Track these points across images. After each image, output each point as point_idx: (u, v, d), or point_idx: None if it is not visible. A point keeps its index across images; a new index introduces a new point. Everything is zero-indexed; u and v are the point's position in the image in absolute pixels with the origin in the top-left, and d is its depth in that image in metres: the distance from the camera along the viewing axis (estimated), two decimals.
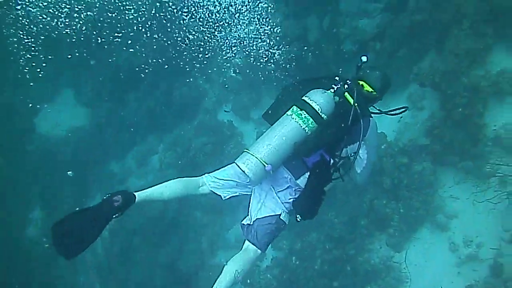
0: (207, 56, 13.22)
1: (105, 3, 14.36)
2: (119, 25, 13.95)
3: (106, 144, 14.19)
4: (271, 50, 10.92)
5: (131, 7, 13.27)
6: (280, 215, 4.19)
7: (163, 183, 4.30)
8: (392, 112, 4.42)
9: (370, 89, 4.29)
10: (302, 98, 3.99)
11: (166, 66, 12.93)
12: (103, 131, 14.12)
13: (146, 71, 13.19)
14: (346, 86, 4.10)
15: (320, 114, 3.89)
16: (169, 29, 13.23)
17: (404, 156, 9.46)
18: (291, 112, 3.94)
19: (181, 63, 13.35)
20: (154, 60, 13.20)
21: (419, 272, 9.21)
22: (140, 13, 13.40)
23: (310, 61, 10.92)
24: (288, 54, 10.90)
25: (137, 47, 13.32)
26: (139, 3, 13.32)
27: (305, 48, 11.12)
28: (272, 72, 11.65)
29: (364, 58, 4.21)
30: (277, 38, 10.83)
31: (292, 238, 10.44)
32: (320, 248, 9.97)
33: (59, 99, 15.89)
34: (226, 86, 12.89)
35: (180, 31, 13.13)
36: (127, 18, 13.78)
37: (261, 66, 11.59)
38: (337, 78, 4.22)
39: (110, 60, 13.67)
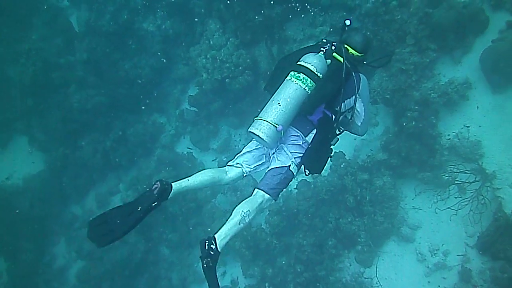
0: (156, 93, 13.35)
1: (54, 46, 14.38)
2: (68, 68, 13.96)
3: (64, 188, 13.90)
4: (226, 80, 11.06)
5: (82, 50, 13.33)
6: (289, 166, 4.44)
7: (194, 174, 4.44)
8: (377, 64, 4.81)
9: (354, 52, 4.54)
10: (297, 63, 4.37)
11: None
12: (60, 175, 13.84)
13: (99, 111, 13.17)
14: (333, 47, 4.49)
15: (316, 73, 4.28)
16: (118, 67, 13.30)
17: (365, 173, 9.62)
18: (290, 77, 4.32)
19: (134, 100, 13.38)
20: (106, 100, 13.15)
21: (390, 285, 9.34)
22: (88, 54, 13.43)
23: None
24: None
25: (88, 88, 13.28)
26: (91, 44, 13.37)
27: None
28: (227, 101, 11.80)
29: (347, 22, 4.52)
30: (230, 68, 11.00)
31: (262, 265, 10.41)
32: (291, 273, 9.97)
33: (12, 146, 15.54)
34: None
35: (131, 67, 13.18)
36: (77, 59, 13.80)
37: (216, 97, 11.72)
38: (324, 40, 4.63)
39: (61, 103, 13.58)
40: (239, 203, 4.23)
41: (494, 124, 9.09)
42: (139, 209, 3.94)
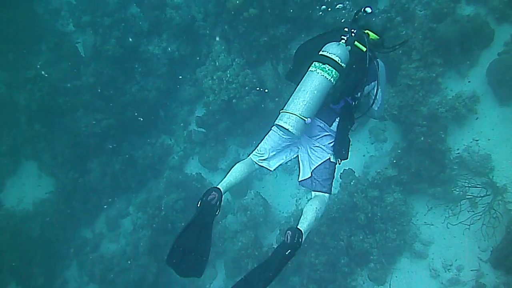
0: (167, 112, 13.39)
1: (61, 71, 14.49)
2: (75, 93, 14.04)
3: (74, 212, 13.94)
4: (233, 100, 11.09)
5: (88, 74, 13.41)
6: (329, 159, 4.56)
7: (230, 171, 4.50)
8: (395, 49, 4.86)
9: (375, 36, 4.61)
10: (320, 53, 4.31)
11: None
12: (70, 199, 13.88)
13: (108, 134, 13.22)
14: (353, 35, 4.47)
15: (341, 64, 4.24)
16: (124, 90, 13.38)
17: (375, 190, 9.58)
18: (314, 68, 4.26)
19: (142, 122, 13.44)
20: (114, 124, 13.20)
21: None
22: (95, 78, 13.51)
23: (271, 107, 11.07)
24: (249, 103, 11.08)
25: (95, 112, 13.35)
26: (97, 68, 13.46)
27: (266, 92, 11.43)
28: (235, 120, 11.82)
29: (368, 9, 4.61)
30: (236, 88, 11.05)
31: (274, 285, 10.33)
32: None
33: (22, 172, 15.62)
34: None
35: (138, 90, 13.25)
36: (83, 84, 13.88)
37: (223, 117, 11.74)
38: (346, 29, 4.55)
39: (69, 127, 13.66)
40: (307, 203, 4.37)
41: (503, 137, 9.08)
42: (206, 224, 3.98)
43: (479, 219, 8.72)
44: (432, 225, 9.38)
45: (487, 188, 8.80)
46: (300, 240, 3.88)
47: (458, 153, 9.30)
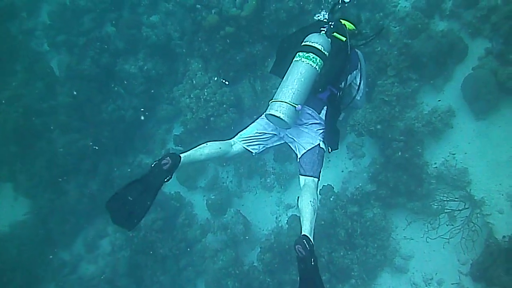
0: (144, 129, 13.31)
1: (36, 91, 14.32)
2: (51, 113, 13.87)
3: (52, 234, 13.73)
4: (211, 118, 11.08)
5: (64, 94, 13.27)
6: (319, 144, 4.58)
7: (200, 145, 4.51)
8: (370, 39, 5.04)
9: (352, 26, 4.75)
10: (303, 44, 4.45)
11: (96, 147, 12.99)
12: (47, 221, 13.67)
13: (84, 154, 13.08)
14: (331, 26, 4.62)
15: (324, 52, 4.37)
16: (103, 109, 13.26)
17: (354, 205, 9.63)
18: (298, 58, 4.37)
19: (118, 142, 13.32)
20: (91, 143, 13.07)
21: None
22: (71, 98, 13.38)
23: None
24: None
25: (72, 132, 13.21)
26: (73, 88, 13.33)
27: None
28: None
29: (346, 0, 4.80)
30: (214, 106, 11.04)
31: None
32: None
33: None
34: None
35: (114, 109, 13.15)
36: (59, 104, 13.72)
37: (201, 135, 11.68)
38: (325, 19, 4.80)
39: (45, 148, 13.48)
40: (299, 198, 4.32)
41: (479, 151, 9.21)
42: (153, 186, 4.00)
43: (458, 233, 8.81)
44: (412, 239, 9.44)
45: (465, 202, 8.90)
46: (311, 243, 3.86)
47: (436, 167, 9.38)
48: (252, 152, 4.71)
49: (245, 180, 11.90)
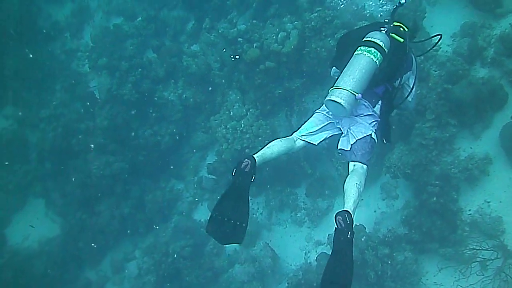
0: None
1: (74, 112, 14.62)
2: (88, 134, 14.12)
3: (80, 253, 13.87)
4: (246, 150, 11.16)
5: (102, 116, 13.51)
6: (370, 135, 4.76)
7: (267, 145, 4.71)
8: (427, 51, 5.62)
9: (406, 29, 4.96)
10: (365, 39, 4.70)
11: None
12: (76, 239, 13.82)
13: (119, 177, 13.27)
14: (391, 26, 4.90)
15: (384, 48, 4.61)
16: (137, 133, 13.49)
17: (386, 247, 9.55)
18: (360, 51, 4.62)
19: (152, 167, 13.51)
20: (125, 167, 13.26)
21: None
22: (109, 121, 13.61)
23: (284, 158, 11.13)
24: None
25: (107, 154, 13.43)
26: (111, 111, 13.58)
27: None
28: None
29: (402, 1, 5.02)
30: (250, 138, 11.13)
31: None
32: None
33: (28, 209, 15.61)
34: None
35: (151, 135, 13.35)
36: (97, 126, 13.97)
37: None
38: (386, 20, 5.05)
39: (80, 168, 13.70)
40: (346, 180, 4.46)
41: None
42: (243, 190, 4.18)
43: (489, 283, 8.66)
44: (442, 286, 9.28)
45: (498, 251, 8.76)
46: (352, 218, 3.97)
47: (470, 214, 9.29)
48: (314, 144, 4.91)
49: (275, 213, 11.92)
